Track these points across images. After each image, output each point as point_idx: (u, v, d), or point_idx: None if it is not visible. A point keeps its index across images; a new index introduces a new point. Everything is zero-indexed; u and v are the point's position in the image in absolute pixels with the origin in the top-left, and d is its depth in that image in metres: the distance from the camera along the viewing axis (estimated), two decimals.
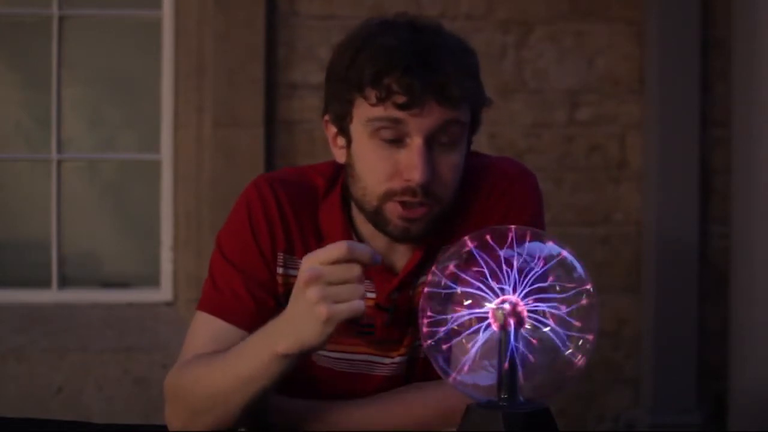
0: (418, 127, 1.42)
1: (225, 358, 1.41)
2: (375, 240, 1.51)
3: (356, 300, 1.25)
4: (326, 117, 1.52)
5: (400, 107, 1.41)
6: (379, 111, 1.43)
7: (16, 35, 3.46)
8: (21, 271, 3.44)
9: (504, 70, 3.37)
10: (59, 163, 3.43)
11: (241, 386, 1.38)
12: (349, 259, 1.26)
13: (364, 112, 1.45)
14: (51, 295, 3.39)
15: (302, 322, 1.29)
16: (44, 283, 3.41)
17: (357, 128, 1.47)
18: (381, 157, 1.44)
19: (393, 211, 1.45)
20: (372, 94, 1.42)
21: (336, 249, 1.26)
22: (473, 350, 1.21)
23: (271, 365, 1.35)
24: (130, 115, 3.48)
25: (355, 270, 1.26)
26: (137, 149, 3.47)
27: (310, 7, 3.32)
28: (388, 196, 1.44)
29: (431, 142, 1.43)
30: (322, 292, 1.25)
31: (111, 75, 3.47)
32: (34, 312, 3.35)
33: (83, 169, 3.48)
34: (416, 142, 1.42)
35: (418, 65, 1.40)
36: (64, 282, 3.42)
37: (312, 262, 1.27)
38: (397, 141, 1.43)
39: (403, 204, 1.44)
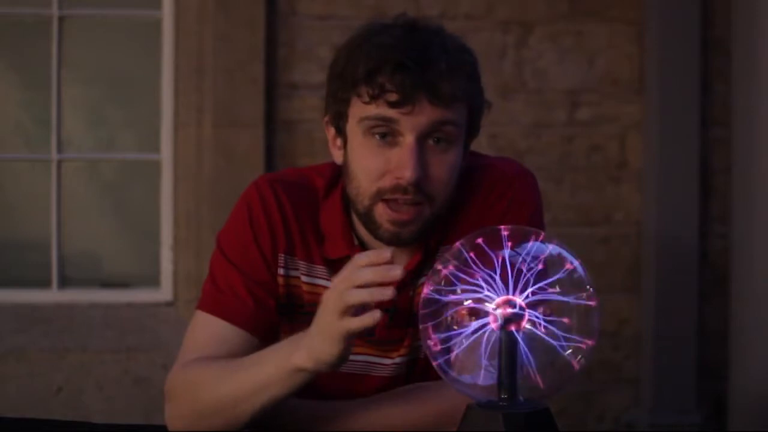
0: (410, 125, 1.42)
1: (241, 364, 1.42)
2: (374, 242, 1.51)
3: (372, 313, 1.26)
4: (326, 118, 1.53)
5: (392, 105, 1.41)
6: (372, 109, 1.43)
7: (16, 35, 3.46)
8: (21, 271, 3.44)
9: (504, 70, 3.37)
10: (59, 163, 3.43)
11: (252, 393, 1.39)
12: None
13: (358, 111, 1.45)
14: (51, 295, 3.39)
15: (319, 337, 1.31)
16: (44, 283, 3.40)
17: (352, 127, 1.47)
18: (374, 156, 1.45)
19: (383, 214, 1.45)
20: (365, 92, 1.43)
21: (379, 254, 1.28)
22: (473, 351, 1.21)
23: (286, 376, 1.36)
24: (130, 115, 3.48)
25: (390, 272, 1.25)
26: (137, 149, 3.47)
27: (310, 7, 3.32)
28: (379, 195, 1.45)
29: (424, 142, 1.44)
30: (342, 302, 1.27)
31: (111, 75, 3.47)
32: (34, 312, 3.35)
33: (83, 169, 3.48)
34: (408, 140, 1.43)
35: (410, 63, 1.41)
36: (64, 282, 3.42)
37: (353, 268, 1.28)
38: (390, 140, 1.44)
39: (392, 204, 1.44)
